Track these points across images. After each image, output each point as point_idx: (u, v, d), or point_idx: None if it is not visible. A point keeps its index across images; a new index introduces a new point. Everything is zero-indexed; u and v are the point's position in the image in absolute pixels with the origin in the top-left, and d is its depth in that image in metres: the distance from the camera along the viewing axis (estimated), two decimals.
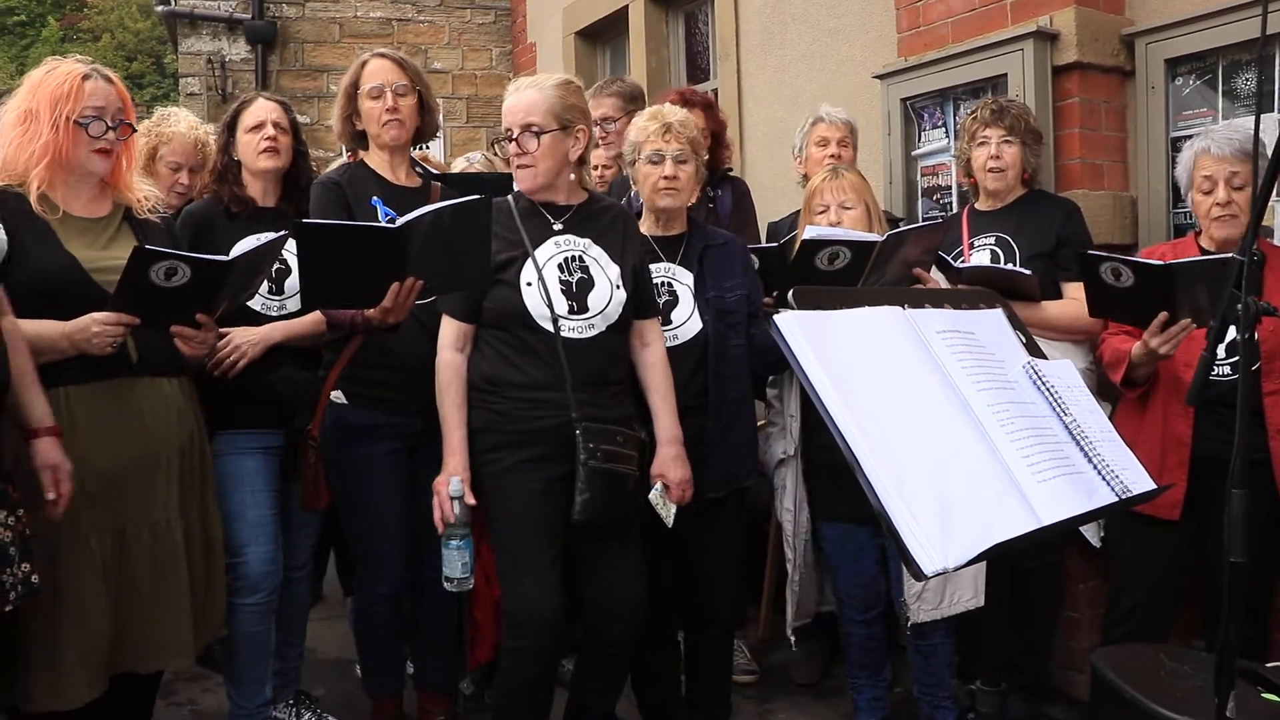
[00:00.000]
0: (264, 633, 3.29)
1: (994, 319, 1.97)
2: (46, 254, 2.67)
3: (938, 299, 1.94)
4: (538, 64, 8.07)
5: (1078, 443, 1.82)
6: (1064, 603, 3.70)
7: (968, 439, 1.61)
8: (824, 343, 1.57)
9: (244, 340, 3.14)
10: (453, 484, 2.88)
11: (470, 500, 2.88)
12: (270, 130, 3.29)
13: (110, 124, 2.75)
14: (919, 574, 1.44)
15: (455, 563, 2.90)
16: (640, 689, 3.43)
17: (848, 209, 3.39)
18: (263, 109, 3.34)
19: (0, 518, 2.33)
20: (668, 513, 3.01)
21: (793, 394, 3.44)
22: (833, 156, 3.97)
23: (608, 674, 3.12)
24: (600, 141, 4.47)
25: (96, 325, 2.60)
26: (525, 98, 2.97)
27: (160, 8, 8.82)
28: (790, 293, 1.64)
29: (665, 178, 3.18)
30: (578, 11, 7.47)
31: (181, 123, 3.78)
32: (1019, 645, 3.49)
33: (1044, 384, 1.87)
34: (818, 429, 3.26)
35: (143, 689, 2.98)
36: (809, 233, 3.19)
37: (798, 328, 1.55)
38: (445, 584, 2.94)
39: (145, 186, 2.97)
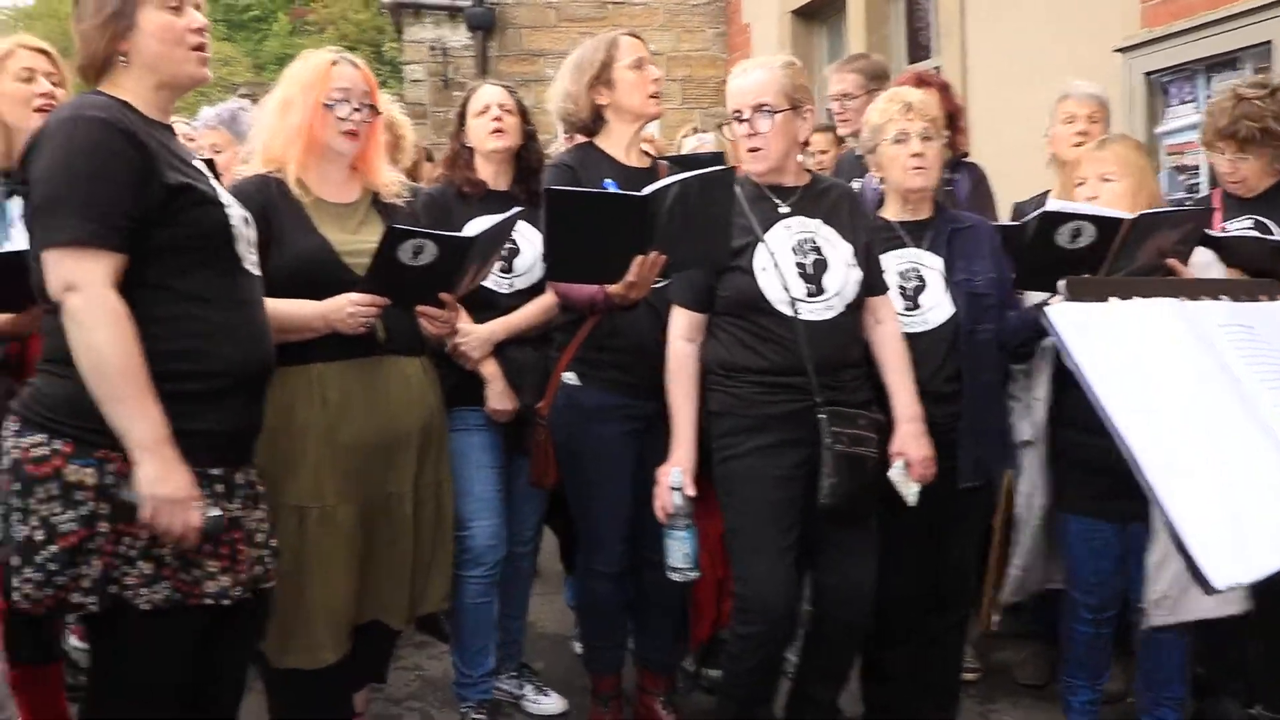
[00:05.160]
0: (488, 604, 3.38)
1: (1276, 311, 1.82)
2: (301, 236, 2.78)
3: (1213, 290, 1.80)
4: (753, 44, 8.01)
5: None
6: None
7: (1258, 442, 1.49)
8: (1100, 337, 1.48)
9: (467, 347, 3.22)
10: (673, 475, 2.90)
11: (690, 492, 2.89)
12: (496, 112, 3.39)
13: (356, 106, 2.85)
14: (1209, 588, 1.34)
15: (677, 553, 2.91)
16: (870, 685, 3.37)
17: (1108, 181, 3.13)
18: (488, 94, 3.46)
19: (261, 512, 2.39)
20: (910, 490, 2.94)
21: (1042, 376, 3.22)
22: (1080, 133, 3.73)
23: (834, 661, 3.09)
24: (837, 118, 4.38)
25: (351, 305, 2.70)
26: (756, 78, 2.95)
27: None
28: (1061, 283, 1.55)
29: (914, 154, 3.07)
30: None
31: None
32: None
33: None
34: (1070, 419, 3.09)
35: (379, 649, 3.11)
36: (1050, 205, 3.01)
37: (1071, 320, 1.47)
38: (670, 574, 2.95)
39: (391, 173, 3.07)
